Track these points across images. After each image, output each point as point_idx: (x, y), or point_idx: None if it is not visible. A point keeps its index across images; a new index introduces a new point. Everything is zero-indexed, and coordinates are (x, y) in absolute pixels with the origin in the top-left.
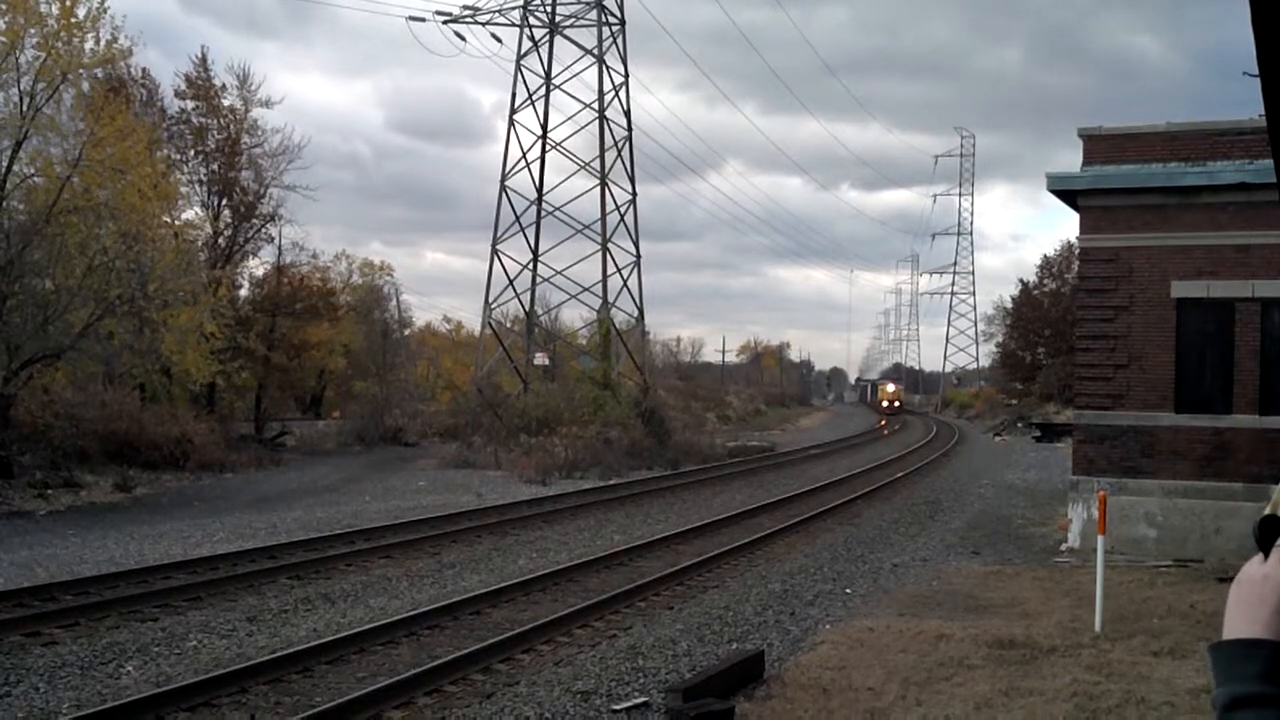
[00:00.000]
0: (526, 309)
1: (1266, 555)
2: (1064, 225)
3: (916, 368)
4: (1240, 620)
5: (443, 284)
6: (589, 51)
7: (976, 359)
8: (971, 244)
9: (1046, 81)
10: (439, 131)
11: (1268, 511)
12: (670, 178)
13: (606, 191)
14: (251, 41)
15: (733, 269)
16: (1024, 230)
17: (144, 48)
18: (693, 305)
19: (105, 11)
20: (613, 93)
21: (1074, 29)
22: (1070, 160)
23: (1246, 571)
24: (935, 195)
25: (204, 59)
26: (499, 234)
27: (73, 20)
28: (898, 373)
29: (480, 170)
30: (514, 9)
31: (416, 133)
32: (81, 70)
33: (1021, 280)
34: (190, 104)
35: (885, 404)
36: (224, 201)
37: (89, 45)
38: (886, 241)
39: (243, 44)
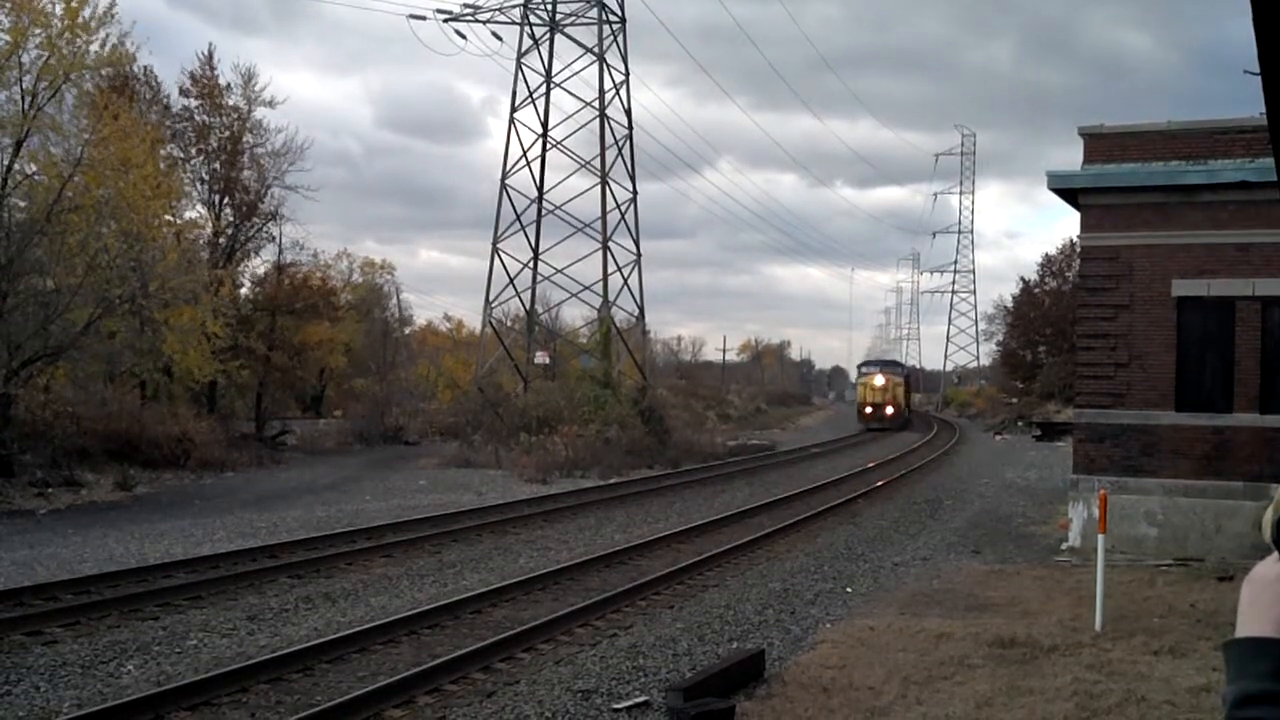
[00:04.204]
0: (527, 308)
1: None
2: (1059, 223)
3: (917, 366)
4: (1252, 619)
5: (439, 282)
6: (589, 50)
7: (977, 358)
8: (972, 243)
9: (1037, 78)
10: (429, 128)
11: (1270, 511)
12: (665, 174)
13: (607, 190)
14: (238, 38)
15: (729, 267)
16: (1018, 228)
17: (151, 54)
18: (689, 303)
19: (112, 16)
20: (613, 91)
21: (1064, 24)
22: (1063, 157)
23: (1259, 571)
24: (936, 194)
25: (210, 58)
26: (499, 232)
27: (78, 21)
28: (896, 364)
29: (473, 167)
30: (514, 7)
31: (407, 129)
32: (85, 72)
33: (1023, 279)
34: (194, 102)
35: (870, 409)
36: (226, 200)
37: (94, 48)
38: (882, 239)
39: (230, 41)
